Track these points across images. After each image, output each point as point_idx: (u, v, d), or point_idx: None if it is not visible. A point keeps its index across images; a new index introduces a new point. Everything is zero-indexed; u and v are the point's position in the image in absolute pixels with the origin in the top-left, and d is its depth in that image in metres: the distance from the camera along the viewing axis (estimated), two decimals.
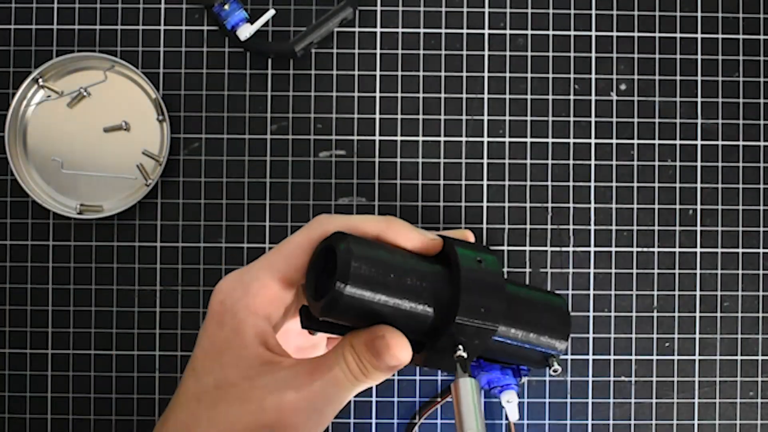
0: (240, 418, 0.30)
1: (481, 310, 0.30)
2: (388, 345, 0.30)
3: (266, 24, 0.42)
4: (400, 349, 0.30)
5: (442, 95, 0.44)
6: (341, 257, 0.29)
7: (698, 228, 0.44)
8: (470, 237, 0.33)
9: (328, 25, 0.42)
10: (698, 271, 0.44)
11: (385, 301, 0.30)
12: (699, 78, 0.44)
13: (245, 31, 0.41)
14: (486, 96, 0.44)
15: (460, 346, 0.30)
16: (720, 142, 0.44)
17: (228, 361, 0.30)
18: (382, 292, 0.29)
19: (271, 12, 0.42)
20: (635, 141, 0.44)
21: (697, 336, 0.44)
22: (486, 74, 0.44)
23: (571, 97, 0.44)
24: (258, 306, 0.31)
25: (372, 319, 0.30)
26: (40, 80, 0.42)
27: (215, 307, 0.31)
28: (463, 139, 0.43)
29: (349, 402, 0.43)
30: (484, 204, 0.43)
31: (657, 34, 0.44)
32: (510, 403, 0.35)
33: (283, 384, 0.30)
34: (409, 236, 0.31)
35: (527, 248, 0.44)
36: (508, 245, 0.44)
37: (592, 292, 0.44)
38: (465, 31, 0.44)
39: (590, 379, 0.43)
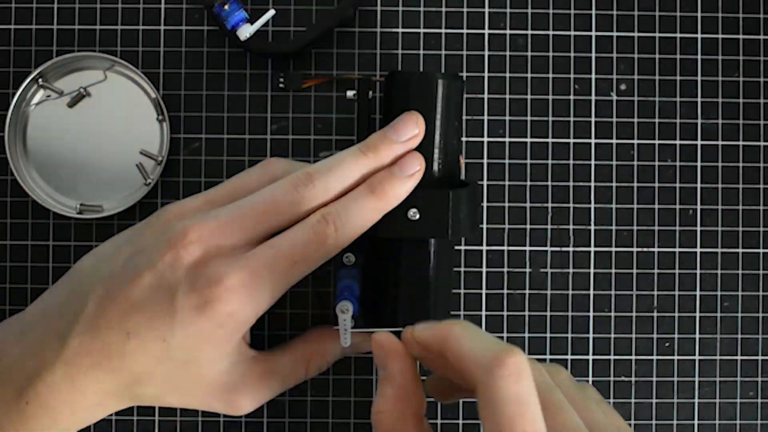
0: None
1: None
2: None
3: (266, 24, 0.42)
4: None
5: None
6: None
7: (698, 228, 0.44)
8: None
9: (329, 24, 0.42)
10: (698, 271, 0.44)
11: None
12: (699, 78, 0.44)
13: (245, 31, 0.41)
14: (486, 96, 0.44)
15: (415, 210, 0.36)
16: (720, 142, 0.44)
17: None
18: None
19: (271, 12, 0.42)
20: (635, 141, 0.44)
21: (697, 336, 0.44)
22: (486, 74, 0.44)
23: (571, 97, 0.44)
24: None
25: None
26: (40, 80, 0.42)
27: None
28: (463, 139, 0.43)
29: (350, 401, 0.43)
30: (484, 204, 0.43)
31: (657, 34, 0.44)
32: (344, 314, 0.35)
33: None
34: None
35: (527, 248, 0.44)
36: (508, 245, 0.44)
37: (592, 292, 0.44)
38: (465, 31, 0.44)
39: (590, 379, 0.43)
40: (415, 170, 0.35)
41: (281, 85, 0.43)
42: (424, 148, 0.36)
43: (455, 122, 0.38)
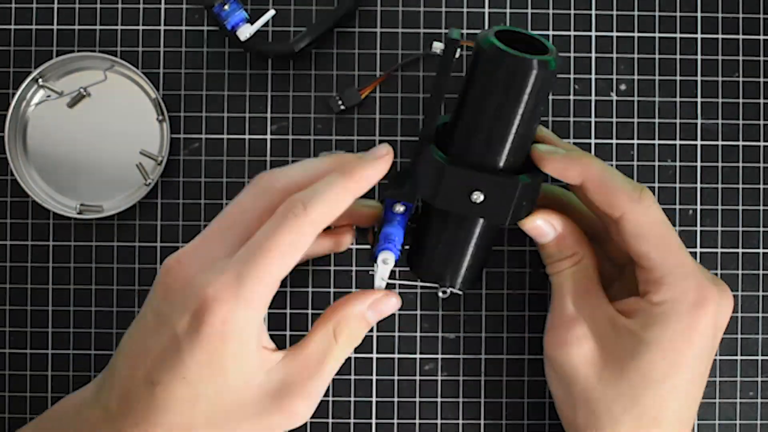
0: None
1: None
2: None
3: (266, 24, 0.42)
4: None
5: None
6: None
7: (698, 228, 0.44)
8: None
9: (328, 25, 0.42)
10: None
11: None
12: (699, 78, 0.44)
13: (245, 32, 0.41)
14: None
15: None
16: (720, 142, 0.44)
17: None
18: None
19: (271, 12, 0.42)
20: (635, 141, 0.44)
21: None
22: None
23: (571, 97, 0.44)
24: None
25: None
26: (40, 80, 0.42)
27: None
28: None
29: (349, 401, 0.43)
30: None
31: (657, 34, 0.44)
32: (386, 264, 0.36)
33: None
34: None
35: (527, 248, 0.44)
36: (508, 245, 0.44)
37: None
38: (465, 31, 0.44)
39: None
40: (383, 153, 0.35)
41: (341, 107, 0.42)
42: (498, 132, 0.35)
43: (539, 110, 0.36)
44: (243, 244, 0.33)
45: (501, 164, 0.36)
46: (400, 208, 0.36)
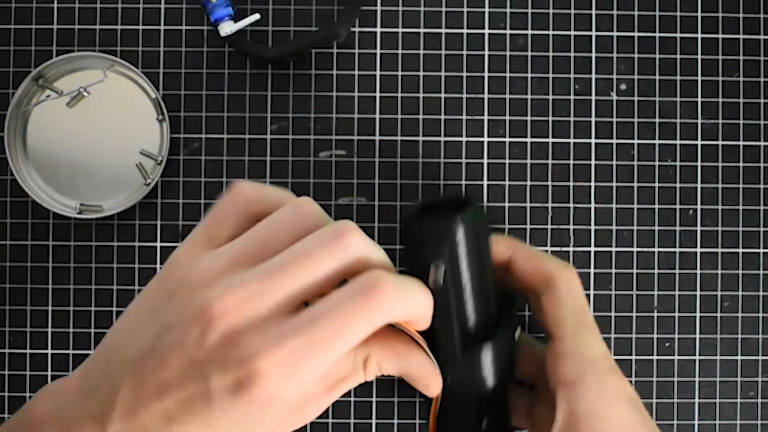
0: None
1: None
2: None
3: (256, 24, 0.42)
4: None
5: (442, 95, 0.43)
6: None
7: (698, 228, 0.44)
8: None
9: (311, 40, 0.41)
10: (698, 271, 0.44)
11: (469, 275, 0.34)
12: (699, 78, 0.44)
13: (226, 28, 0.41)
14: (486, 96, 0.44)
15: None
16: (720, 142, 0.44)
17: None
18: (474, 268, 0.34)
19: (256, 16, 0.42)
20: (635, 141, 0.44)
21: (698, 336, 0.44)
22: (486, 74, 0.44)
23: (571, 97, 0.44)
24: None
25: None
26: (40, 80, 0.42)
27: None
28: (463, 139, 0.43)
29: (349, 402, 0.43)
30: (485, 204, 0.43)
31: (657, 34, 0.44)
32: None
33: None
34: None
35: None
36: None
37: (592, 292, 0.44)
38: (465, 31, 0.44)
39: None
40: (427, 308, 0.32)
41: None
42: (451, 307, 0.34)
43: (484, 263, 0.35)
44: (298, 305, 0.29)
45: (469, 335, 0.35)
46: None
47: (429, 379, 0.35)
